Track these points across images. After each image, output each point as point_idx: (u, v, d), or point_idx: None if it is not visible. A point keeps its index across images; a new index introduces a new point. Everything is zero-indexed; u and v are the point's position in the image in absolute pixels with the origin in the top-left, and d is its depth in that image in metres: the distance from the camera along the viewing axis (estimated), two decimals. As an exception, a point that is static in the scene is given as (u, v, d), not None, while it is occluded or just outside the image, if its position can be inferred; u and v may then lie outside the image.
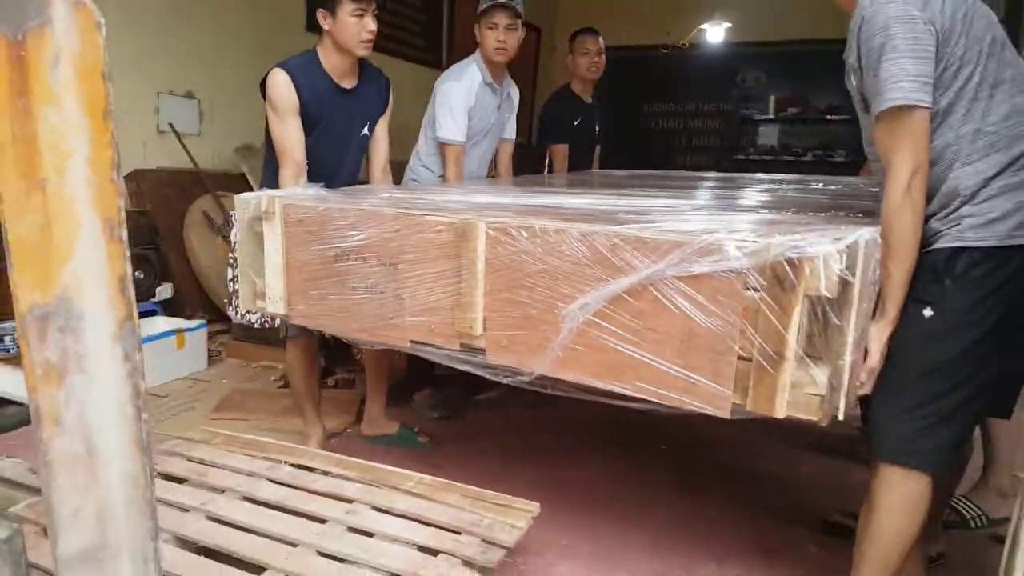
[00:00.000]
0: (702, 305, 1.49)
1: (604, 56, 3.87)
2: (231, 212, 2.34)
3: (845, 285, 1.41)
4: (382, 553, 1.65)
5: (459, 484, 1.93)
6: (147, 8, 3.91)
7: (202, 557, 1.65)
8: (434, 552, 1.66)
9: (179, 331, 3.28)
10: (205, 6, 4.32)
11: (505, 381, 1.71)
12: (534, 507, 1.82)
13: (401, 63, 6.11)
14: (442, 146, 2.85)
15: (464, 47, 6.83)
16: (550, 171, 3.86)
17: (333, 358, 3.28)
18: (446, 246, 1.72)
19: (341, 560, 1.63)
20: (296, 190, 2.14)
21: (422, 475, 1.96)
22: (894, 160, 1.51)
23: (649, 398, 1.56)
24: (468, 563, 1.62)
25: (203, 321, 3.48)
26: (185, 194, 3.98)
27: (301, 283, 1.95)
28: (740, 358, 1.45)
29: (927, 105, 1.47)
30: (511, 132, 3.24)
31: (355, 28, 2.33)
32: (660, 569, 1.96)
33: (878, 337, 1.56)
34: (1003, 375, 1.60)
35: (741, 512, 2.25)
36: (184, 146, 3.98)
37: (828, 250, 1.36)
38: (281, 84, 2.28)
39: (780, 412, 1.44)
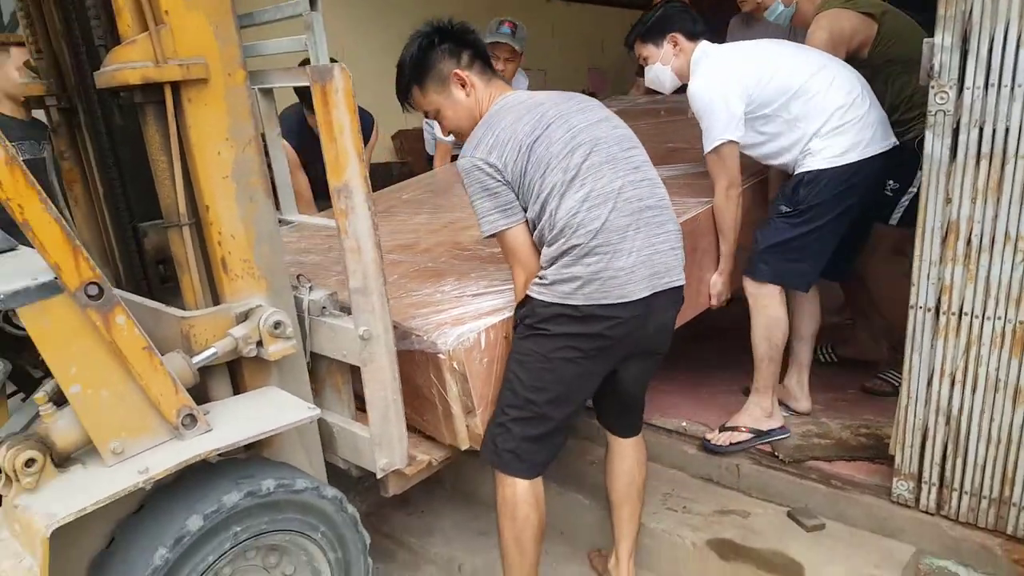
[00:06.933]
0: (413, 371, 1.98)
1: None
2: None
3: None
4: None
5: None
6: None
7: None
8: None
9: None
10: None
11: None
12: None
13: (608, 8, 6.81)
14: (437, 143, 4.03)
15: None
16: None
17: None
18: None
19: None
20: None
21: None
22: (512, 272, 1.94)
23: (419, 428, 2.08)
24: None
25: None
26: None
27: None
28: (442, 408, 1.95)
29: (512, 224, 1.85)
30: None
31: None
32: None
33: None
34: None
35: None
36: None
37: (452, 347, 1.84)
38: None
39: (463, 446, 1.97)
